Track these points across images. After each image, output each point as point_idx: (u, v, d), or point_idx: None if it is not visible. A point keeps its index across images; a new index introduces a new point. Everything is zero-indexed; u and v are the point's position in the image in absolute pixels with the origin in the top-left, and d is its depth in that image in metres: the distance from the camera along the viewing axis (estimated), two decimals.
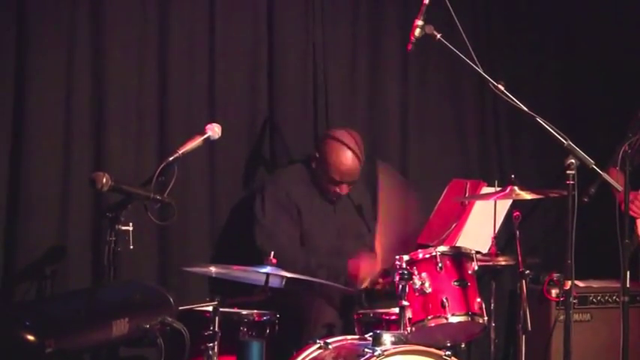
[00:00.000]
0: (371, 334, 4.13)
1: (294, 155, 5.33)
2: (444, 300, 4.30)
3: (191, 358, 3.84)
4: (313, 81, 5.53)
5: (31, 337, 3.17)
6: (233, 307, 4.42)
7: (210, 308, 4.07)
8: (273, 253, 4.27)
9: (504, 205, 4.92)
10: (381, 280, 4.83)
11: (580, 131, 4.61)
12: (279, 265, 4.25)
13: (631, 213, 4.88)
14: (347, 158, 4.93)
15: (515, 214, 4.53)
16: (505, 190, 4.61)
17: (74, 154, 4.91)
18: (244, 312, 4.42)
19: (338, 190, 4.98)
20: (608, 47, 6.07)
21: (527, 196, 4.57)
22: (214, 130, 4.52)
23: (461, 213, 5.04)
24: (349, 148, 4.95)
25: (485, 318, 4.44)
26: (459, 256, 4.43)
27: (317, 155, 5.01)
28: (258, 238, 4.87)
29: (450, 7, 4.18)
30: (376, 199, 4.87)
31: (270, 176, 5.20)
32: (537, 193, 4.61)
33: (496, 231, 4.86)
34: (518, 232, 4.49)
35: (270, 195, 4.95)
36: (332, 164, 4.93)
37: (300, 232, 4.95)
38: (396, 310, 4.25)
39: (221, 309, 4.07)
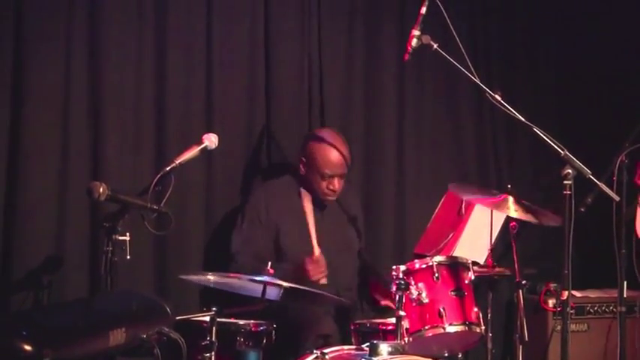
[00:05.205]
0: (368, 344, 4.12)
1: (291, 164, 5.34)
2: (441, 310, 4.30)
3: None
4: (309, 90, 5.55)
5: (28, 347, 3.16)
6: (230, 317, 4.41)
7: (207, 318, 4.06)
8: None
9: (501, 216, 4.91)
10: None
11: (577, 141, 4.61)
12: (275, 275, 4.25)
13: None
14: (334, 150, 5.00)
15: (511, 225, 4.54)
16: (499, 198, 4.61)
17: (71, 163, 4.91)
18: (241, 322, 4.40)
19: (331, 186, 5.00)
20: (606, 56, 6.08)
21: (514, 213, 4.55)
22: (211, 140, 4.51)
23: (458, 223, 5.04)
24: (333, 140, 5.03)
25: (483, 327, 4.44)
26: (456, 266, 4.44)
27: (303, 159, 5.04)
28: (235, 244, 4.93)
29: (447, 17, 4.19)
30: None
31: (255, 189, 5.20)
32: (529, 212, 4.59)
33: (493, 241, 4.85)
34: (514, 243, 4.49)
35: (250, 207, 5.02)
36: (321, 159, 4.98)
37: (281, 244, 4.97)
38: (393, 320, 4.25)
39: (218, 319, 4.06)
